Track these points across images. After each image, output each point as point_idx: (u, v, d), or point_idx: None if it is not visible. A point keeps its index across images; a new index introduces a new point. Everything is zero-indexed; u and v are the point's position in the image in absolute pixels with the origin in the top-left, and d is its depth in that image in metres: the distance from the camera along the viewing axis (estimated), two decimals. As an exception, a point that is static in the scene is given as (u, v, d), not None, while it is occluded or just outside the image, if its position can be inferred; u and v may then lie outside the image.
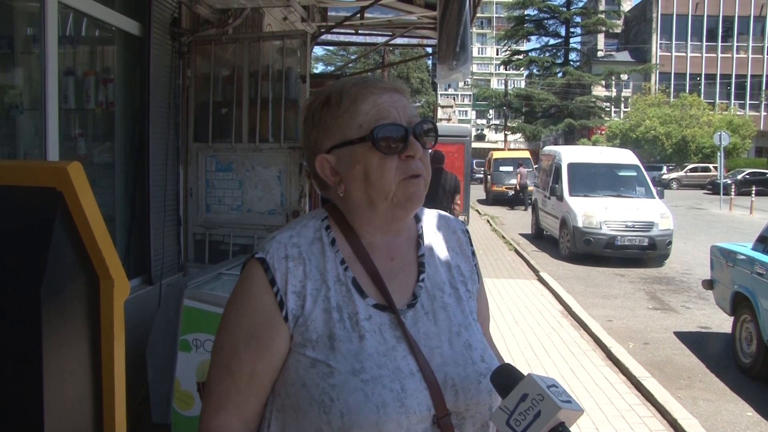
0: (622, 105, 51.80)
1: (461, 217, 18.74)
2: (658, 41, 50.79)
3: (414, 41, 11.39)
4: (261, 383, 1.25)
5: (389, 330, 1.23)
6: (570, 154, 14.61)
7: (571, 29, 52.34)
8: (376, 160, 1.22)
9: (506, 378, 1.13)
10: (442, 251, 1.39)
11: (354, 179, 1.24)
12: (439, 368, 1.22)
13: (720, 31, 49.80)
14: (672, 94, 46.82)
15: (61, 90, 3.82)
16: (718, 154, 25.53)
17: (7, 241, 2.15)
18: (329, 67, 38.35)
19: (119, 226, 4.59)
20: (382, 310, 1.24)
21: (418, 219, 1.41)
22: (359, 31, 10.39)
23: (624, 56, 53.12)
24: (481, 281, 1.45)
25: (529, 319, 7.96)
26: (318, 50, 49.40)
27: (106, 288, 2.23)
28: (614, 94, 53.02)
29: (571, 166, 13.90)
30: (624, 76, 51.12)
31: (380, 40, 10.83)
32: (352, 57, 23.08)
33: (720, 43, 49.94)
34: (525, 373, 1.12)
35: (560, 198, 13.57)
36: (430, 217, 1.44)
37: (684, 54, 50.41)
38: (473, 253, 1.45)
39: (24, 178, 2.22)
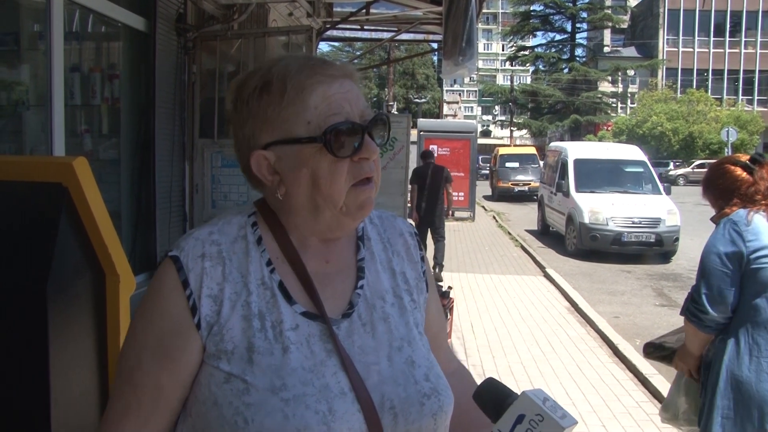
0: (629, 101, 51.65)
1: (466, 213, 18.79)
2: (665, 36, 50.60)
3: (419, 37, 11.34)
4: (167, 400, 1.07)
5: (319, 342, 1.07)
6: (576, 150, 14.57)
7: (577, 25, 52.22)
8: (327, 164, 1.06)
9: (493, 396, 1.03)
10: (385, 255, 1.23)
11: (298, 183, 1.08)
12: (376, 387, 1.06)
13: (728, 26, 49.58)
14: (679, 90, 46.66)
15: (67, 86, 3.83)
16: (726, 150, 25.43)
17: (14, 236, 2.15)
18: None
19: (125, 221, 4.60)
20: (312, 319, 1.08)
21: None
22: (365, 27, 10.39)
23: (630, 52, 52.95)
24: (432, 289, 1.29)
25: (535, 315, 7.94)
26: (323, 46, 49.40)
27: (112, 284, 2.23)
28: (621, 89, 52.88)
29: (578, 162, 13.86)
30: (630, 72, 50.98)
31: (386, 35, 10.80)
32: (358, 53, 23.02)
33: (728, 38, 49.73)
34: (513, 389, 1.03)
35: (566, 194, 13.53)
36: (373, 218, 1.27)
37: (691, 49, 50.22)
38: (422, 258, 1.29)
39: (30, 173, 2.22)
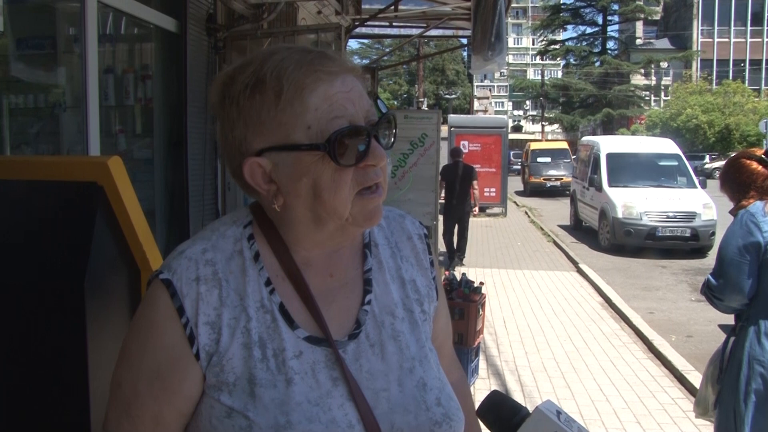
0: (662, 93, 50.92)
1: (498, 209, 18.68)
2: (700, 27, 49.73)
3: (449, 33, 11.31)
4: (167, 430, 0.99)
5: (324, 370, 0.98)
6: (609, 144, 14.40)
7: (609, 17, 51.53)
8: (330, 173, 0.96)
9: (500, 412, 0.96)
10: (394, 263, 1.12)
11: (298, 194, 0.98)
12: (385, 416, 0.98)
13: (766, 14, 48.48)
14: (714, 81, 45.83)
15: (101, 87, 3.90)
16: (764, 142, 24.89)
17: (52, 234, 2.20)
18: (364, 60, 38.33)
19: (159, 219, 4.67)
20: (316, 344, 0.99)
21: None
22: (393, 24, 10.39)
23: (663, 43, 52.17)
24: (441, 297, 1.19)
25: (568, 311, 7.87)
26: (353, 44, 49.50)
27: (147, 280, 2.27)
28: (654, 82, 52.14)
29: (610, 156, 13.69)
30: (664, 64, 50.24)
31: (414, 32, 10.80)
32: (387, 50, 23.05)
33: (766, 27, 48.63)
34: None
35: (599, 189, 13.38)
36: (381, 219, 1.11)
37: (727, 39, 49.27)
38: (432, 264, 1.18)
39: (66, 173, 2.27)
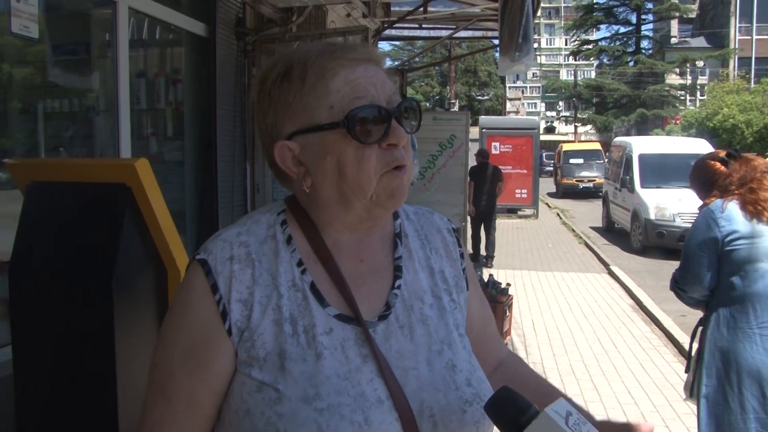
0: (698, 93, 49.94)
1: (530, 210, 18.57)
2: (737, 24, 48.69)
3: (478, 34, 11.29)
4: (202, 409, 1.02)
5: (354, 347, 1.00)
6: (641, 145, 14.23)
7: (643, 16, 50.73)
8: (352, 150, 0.99)
9: (508, 409, 0.92)
10: (423, 253, 1.16)
11: (324, 173, 1.02)
12: (415, 394, 1.00)
13: (805, 12, 47.38)
14: (752, 80, 44.85)
15: (133, 91, 4.00)
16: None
17: (83, 234, 2.27)
18: (396, 62, 38.36)
19: (189, 220, 4.76)
20: (346, 322, 1.01)
21: (396, 215, 1.17)
22: (423, 26, 10.41)
23: (700, 42, 51.16)
24: (473, 286, 1.22)
25: (598, 313, 7.80)
26: (385, 46, 49.58)
27: (174, 279, 2.32)
28: (689, 81, 51.17)
29: (643, 157, 13.52)
30: (700, 63, 49.25)
31: (444, 33, 10.80)
32: (419, 51, 23.01)
33: (806, 25, 47.53)
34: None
35: (631, 190, 13.23)
36: (409, 214, 1.20)
37: (766, 37, 48.17)
38: (462, 256, 1.20)
39: (97, 174, 2.35)
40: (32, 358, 2.37)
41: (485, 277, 5.55)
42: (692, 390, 3.07)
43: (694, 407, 3.04)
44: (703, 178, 3.10)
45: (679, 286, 3.07)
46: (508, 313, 5.36)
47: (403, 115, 1.03)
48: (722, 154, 3.12)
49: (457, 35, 10.66)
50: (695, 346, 3.14)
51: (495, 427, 1.04)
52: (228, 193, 4.92)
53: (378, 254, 1.12)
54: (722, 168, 3.03)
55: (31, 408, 2.39)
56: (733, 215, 2.86)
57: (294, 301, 1.02)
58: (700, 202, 3.08)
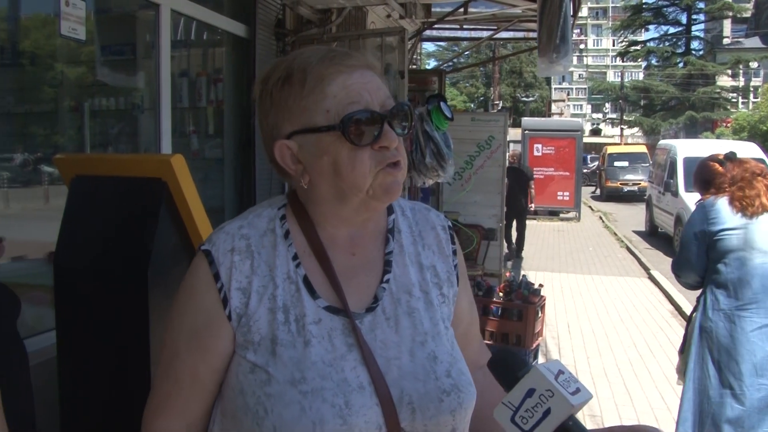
0: (751, 95, 48.66)
1: (572, 213, 18.38)
2: (794, 25, 47.31)
3: (519, 35, 11.25)
4: (204, 386, 1.13)
5: (340, 336, 1.08)
6: (686, 148, 13.95)
7: (694, 16, 49.65)
8: (347, 152, 1.07)
9: (506, 366, 1.01)
10: (414, 249, 1.22)
11: (321, 172, 1.10)
12: (395, 382, 1.07)
13: None
14: (809, 82, 43.51)
15: (175, 90, 4.14)
16: None
17: (121, 226, 2.40)
18: (436, 62, 38.27)
19: (228, 216, 4.89)
20: (335, 314, 1.10)
21: (391, 210, 1.24)
22: (464, 26, 10.42)
23: (754, 42, 49.83)
24: (463, 282, 1.28)
25: (635, 317, 7.73)
26: (429, 47, 49.41)
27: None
28: (742, 83, 49.90)
29: (687, 161, 13.26)
30: (753, 64, 47.96)
31: (485, 34, 10.79)
32: (466, 53, 22.94)
33: None
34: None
35: (675, 194, 13.01)
36: (405, 210, 1.27)
37: (823, 38, 46.71)
38: (454, 252, 1.27)
39: (136, 169, 2.47)
40: (74, 342, 2.51)
41: (517, 277, 5.57)
42: (681, 368, 3.48)
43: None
44: (702, 177, 3.52)
45: (676, 272, 3.50)
46: (540, 314, 5.36)
47: (395, 118, 1.10)
48: (721, 156, 3.54)
49: (497, 36, 10.63)
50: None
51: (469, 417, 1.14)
52: (266, 189, 5.04)
53: (370, 249, 1.19)
54: (719, 168, 3.44)
55: (73, 389, 2.53)
56: (722, 210, 3.29)
57: (288, 292, 1.10)
58: None
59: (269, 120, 1.14)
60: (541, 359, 5.72)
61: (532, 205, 12.22)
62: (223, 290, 1.10)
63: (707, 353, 3.28)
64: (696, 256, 3.34)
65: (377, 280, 1.16)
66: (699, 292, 3.48)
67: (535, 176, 12.60)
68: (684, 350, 3.47)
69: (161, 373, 1.17)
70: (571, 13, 6.18)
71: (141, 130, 4.23)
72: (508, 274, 6.49)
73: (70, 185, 2.57)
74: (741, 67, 47.69)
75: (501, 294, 5.41)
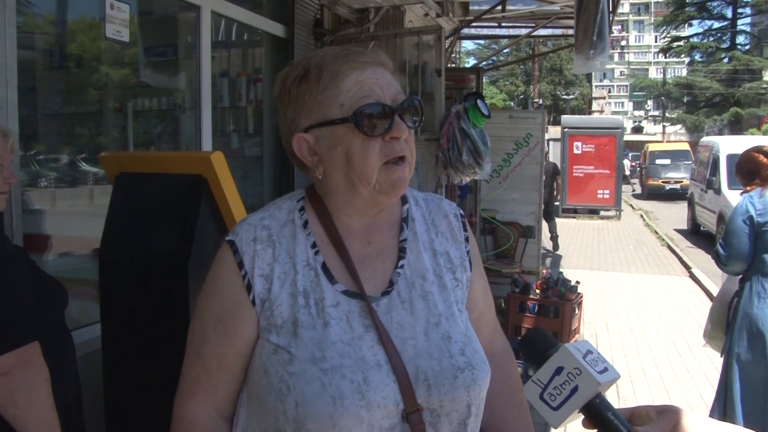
0: (800, 90, 47.27)
1: (612, 211, 18.14)
2: None
3: (558, 32, 11.16)
4: (230, 369, 1.19)
5: (358, 318, 1.14)
6: (729, 145, 13.64)
7: (739, 10, 48.41)
8: (359, 142, 1.14)
9: (537, 345, 1.04)
10: (427, 236, 1.28)
11: (334, 162, 1.16)
12: (411, 360, 1.13)
13: None
14: None
15: (215, 90, 4.23)
16: None
17: (163, 220, 2.48)
18: (476, 60, 38.06)
19: (267, 214, 4.97)
20: (352, 297, 1.16)
21: (404, 201, 1.31)
22: (502, 24, 10.38)
23: (803, 37, 48.47)
24: (476, 268, 1.33)
25: (675, 316, 7.63)
26: (469, 45, 49.21)
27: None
28: (790, 78, 48.49)
29: (731, 158, 12.99)
30: (802, 59, 46.63)
31: (523, 32, 10.73)
32: (502, 50, 22.83)
33: None
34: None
35: (717, 191, 12.75)
36: (419, 200, 1.33)
37: None
38: (467, 239, 1.33)
39: (177, 166, 2.54)
40: (117, 333, 2.59)
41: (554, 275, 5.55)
42: (724, 348, 3.61)
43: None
44: (747, 168, 3.62)
45: (721, 259, 3.55)
46: (577, 311, 5.33)
47: (405, 111, 1.17)
48: (766, 148, 3.62)
49: (536, 33, 10.57)
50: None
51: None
52: (303, 187, 5.11)
53: (385, 237, 1.25)
54: (765, 160, 3.53)
55: (117, 379, 2.62)
56: None
57: (307, 278, 1.17)
58: None
59: (288, 115, 1.21)
60: (578, 357, 5.69)
61: (559, 199, 12.90)
62: (246, 277, 1.17)
63: (753, 338, 3.37)
64: (744, 245, 3.42)
65: (392, 266, 1.22)
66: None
67: (575, 174, 13.84)
68: (729, 332, 3.57)
69: (190, 359, 1.23)
70: (610, 9, 6.14)
71: (182, 130, 4.33)
72: (545, 271, 6.46)
73: (114, 182, 2.66)
74: (789, 61, 46.38)
75: (538, 291, 5.39)
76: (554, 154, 19.25)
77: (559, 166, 15.35)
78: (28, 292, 1.85)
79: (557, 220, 12.99)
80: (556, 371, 0.99)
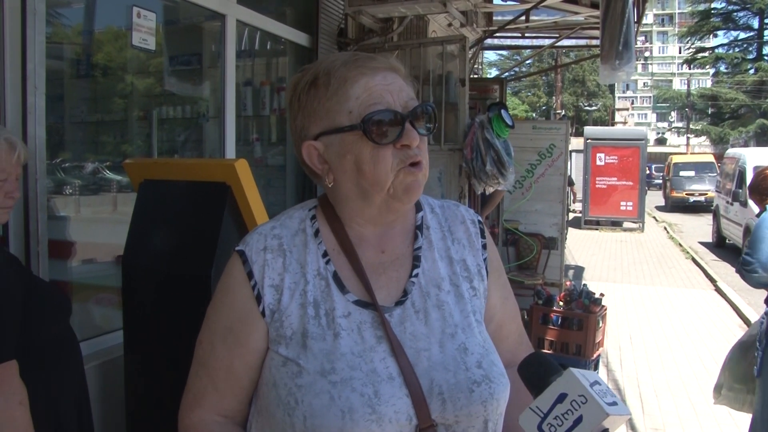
0: (828, 102, 46.58)
1: (635, 224, 17.96)
2: None
3: (582, 42, 11.11)
4: (238, 381, 1.16)
5: (370, 329, 1.11)
6: (756, 157, 13.48)
7: (766, 20, 47.92)
8: (369, 150, 1.10)
9: (537, 371, 0.96)
10: (443, 244, 1.24)
11: (344, 170, 1.13)
12: (425, 373, 1.08)
13: None
14: None
15: (239, 99, 4.25)
16: None
17: (187, 227, 2.48)
18: (498, 71, 37.97)
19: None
20: (364, 307, 1.12)
21: (419, 208, 1.27)
22: (525, 35, 10.35)
23: (831, 47, 47.76)
24: (494, 276, 1.28)
25: (701, 330, 7.50)
26: (491, 56, 49.15)
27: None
28: (818, 90, 47.80)
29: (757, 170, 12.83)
30: (830, 70, 45.95)
31: (547, 42, 10.69)
32: (525, 60, 22.79)
33: None
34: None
35: (744, 204, 12.56)
36: (435, 207, 1.29)
37: None
38: (484, 246, 1.28)
39: (201, 173, 2.55)
40: (139, 340, 2.60)
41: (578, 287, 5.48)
42: (757, 370, 3.36)
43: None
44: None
45: (748, 269, 3.50)
46: (601, 324, 5.26)
47: (417, 118, 1.13)
48: None
49: (559, 44, 10.52)
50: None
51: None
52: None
53: (399, 245, 1.21)
54: None
55: (138, 385, 2.62)
56: None
57: (318, 288, 1.13)
58: None
59: (297, 123, 1.18)
60: (602, 370, 5.61)
61: (573, 205, 12.40)
62: (256, 288, 1.14)
63: None
64: None
65: (406, 274, 1.19)
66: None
67: (598, 185, 13.83)
68: (764, 352, 3.33)
69: (197, 369, 1.20)
70: (635, 20, 6.08)
71: (206, 138, 4.35)
72: (568, 283, 6.39)
73: (138, 189, 2.67)
74: (817, 73, 45.73)
75: (561, 303, 5.33)
76: (576, 166, 19.12)
77: (573, 176, 15.75)
78: (12, 306, 1.76)
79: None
80: (558, 398, 0.91)
